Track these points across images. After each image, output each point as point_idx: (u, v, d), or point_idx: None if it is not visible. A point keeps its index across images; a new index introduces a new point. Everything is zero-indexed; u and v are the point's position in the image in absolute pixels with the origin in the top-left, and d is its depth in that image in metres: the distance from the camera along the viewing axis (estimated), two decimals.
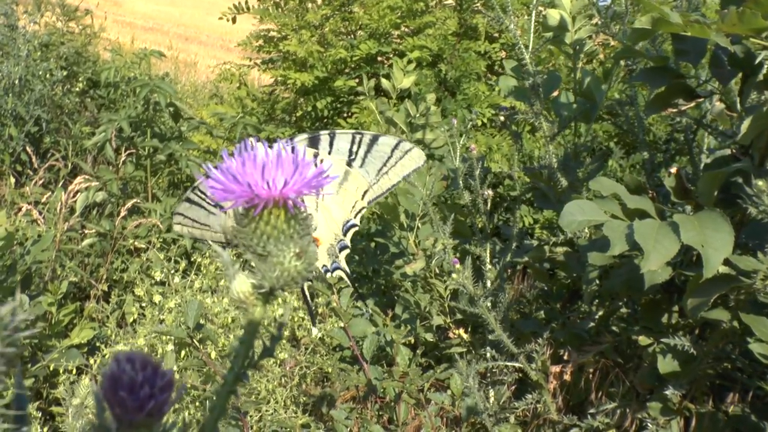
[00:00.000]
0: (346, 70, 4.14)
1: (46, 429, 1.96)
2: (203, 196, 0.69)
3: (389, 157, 1.19)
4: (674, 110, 1.72)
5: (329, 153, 1.14)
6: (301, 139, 1.13)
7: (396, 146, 1.22)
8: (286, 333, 2.27)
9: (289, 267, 0.51)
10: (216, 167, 0.53)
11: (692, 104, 1.74)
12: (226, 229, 0.69)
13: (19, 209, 2.60)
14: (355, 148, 1.18)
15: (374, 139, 1.20)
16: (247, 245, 0.53)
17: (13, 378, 0.38)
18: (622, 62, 2.33)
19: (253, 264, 0.53)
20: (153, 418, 0.41)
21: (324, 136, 1.18)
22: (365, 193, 1.19)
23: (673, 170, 1.72)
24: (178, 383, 0.42)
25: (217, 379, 1.75)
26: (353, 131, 1.19)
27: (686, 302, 1.69)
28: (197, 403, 1.78)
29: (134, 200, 2.98)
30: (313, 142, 1.17)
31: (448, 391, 1.91)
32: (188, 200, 0.68)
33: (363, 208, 1.19)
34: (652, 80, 1.78)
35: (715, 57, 1.72)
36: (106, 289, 2.85)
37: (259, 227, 0.52)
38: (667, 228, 1.59)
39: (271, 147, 0.54)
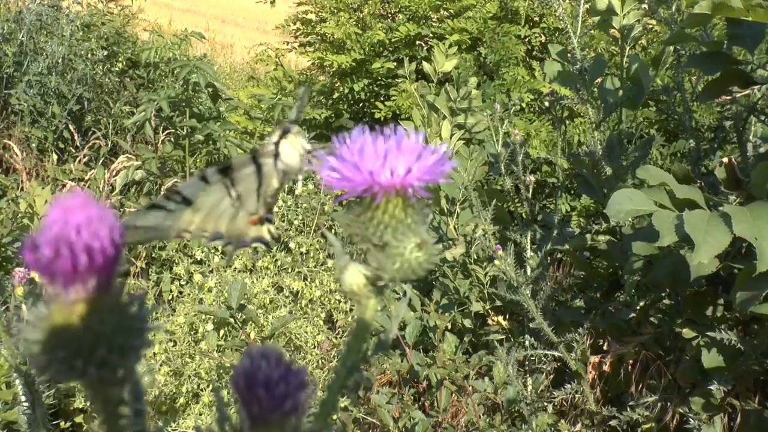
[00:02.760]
0: (384, 53, 4.11)
1: (88, 402, 2.00)
2: (168, 196, 0.68)
3: None
4: (728, 97, 1.67)
5: None
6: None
7: None
8: (323, 315, 2.28)
9: (410, 258, 0.49)
10: (330, 155, 0.51)
11: (747, 91, 1.68)
12: (187, 224, 0.69)
13: (63, 185, 2.64)
14: None
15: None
16: (363, 235, 0.51)
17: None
18: (670, 48, 2.26)
19: (367, 255, 0.51)
20: (287, 417, 0.40)
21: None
22: None
23: (725, 160, 1.67)
24: (310, 382, 0.41)
25: None
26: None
27: (735, 295, 1.65)
28: None
29: (173, 179, 3.00)
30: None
31: (486, 379, 1.90)
32: (152, 206, 0.67)
33: None
34: (706, 66, 1.72)
35: None
36: (144, 266, 2.89)
37: (376, 217, 0.50)
38: (717, 219, 1.55)
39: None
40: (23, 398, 1.02)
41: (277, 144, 0.69)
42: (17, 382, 1.02)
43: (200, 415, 1.84)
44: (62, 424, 1.96)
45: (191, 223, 0.70)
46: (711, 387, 1.68)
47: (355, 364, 0.51)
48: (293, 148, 0.69)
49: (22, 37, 4.07)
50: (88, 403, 2.03)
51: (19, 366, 0.99)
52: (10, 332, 1.00)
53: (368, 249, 0.51)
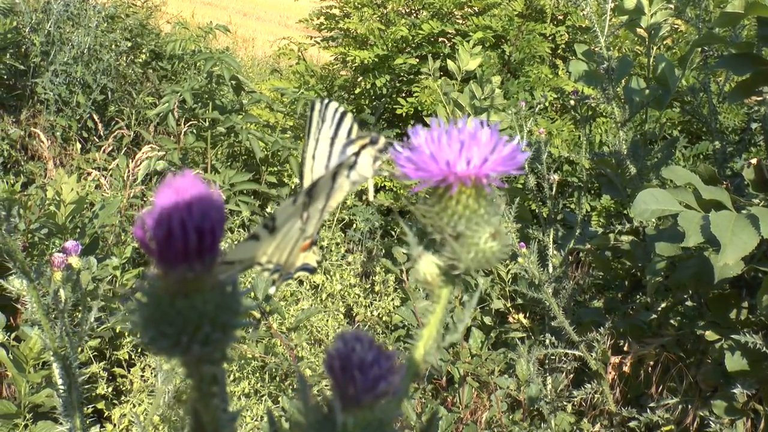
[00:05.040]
0: (407, 49, 4.11)
1: (110, 389, 2.02)
2: (265, 223, 0.62)
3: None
4: (758, 98, 1.65)
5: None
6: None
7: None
8: (342, 309, 2.29)
9: (485, 248, 0.50)
10: (404, 144, 0.52)
11: None
12: (261, 254, 0.62)
13: (88, 174, 2.67)
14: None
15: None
16: (436, 225, 0.51)
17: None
18: (697, 48, 2.25)
19: (441, 244, 0.51)
20: (378, 399, 0.40)
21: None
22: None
23: (754, 161, 1.65)
24: (401, 367, 0.41)
25: (279, 351, 1.78)
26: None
27: (761, 299, 1.64)
28: (258, 374, 1.81)
29: (196, 171, 3.02)
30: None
31: (506, 376, 1.90)
32: (251, 237, 0.60)
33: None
34: (736, 67, 1.71)
35: None
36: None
37: (449, 207, 0.50)
38: (745, 221, 1.53)
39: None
40: (60, 381, 1.04)
41: (357, 154, 0.64)
42: (54, 365, 1.03)
43: None
44: (85, 409, 1.98)
45: (264, 254, 0.63)
46: (734, 390, 1.67)
47: (428, 352, 0.51)
48: (369, 156, 0.64)
49: (50, 27, 4.11)
50: (110, 390, 2.06)
51: (57, 350, 1.01)
52: (48, 316, 1.02)
53: (442, 239, 0.51)
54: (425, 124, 0.55)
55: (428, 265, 0.52)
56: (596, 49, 2.19)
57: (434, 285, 0.52)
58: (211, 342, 0.36)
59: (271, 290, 1.64)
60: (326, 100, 0.70)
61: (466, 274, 0.52)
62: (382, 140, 0.64)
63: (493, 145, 0.50)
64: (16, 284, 0.99)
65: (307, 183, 0.69)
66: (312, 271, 0.68)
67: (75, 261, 1.07)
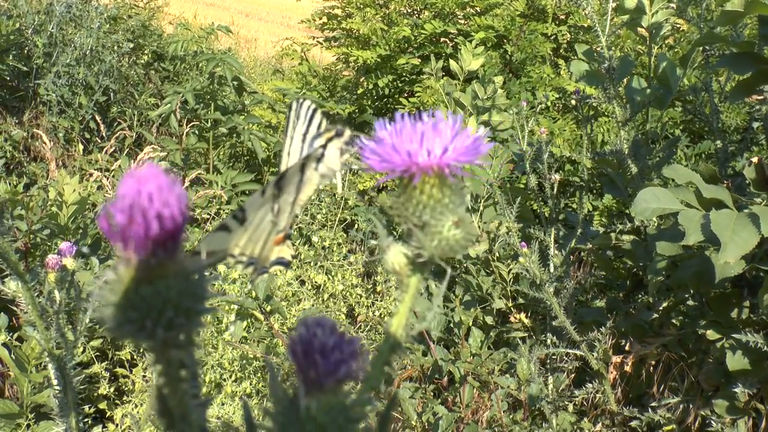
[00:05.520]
0: (409, 49, 4.12)
1: (112, 389, 2.03)
2: (234, 214, 0.63)
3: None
4: (759, 97, 1.65)
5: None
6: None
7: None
8: (344, 310, 2.29)
9: (448, 236, 0.51)
10: (370, 138, 0.53)
11: None
12: (233, 246, 0.63)
13: (90, 175, 2.67)
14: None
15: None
16: (402, 215, 0.52)
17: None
18: (699, 47, 2.24)
19: (408, 234, 0.52)
20: (340, 384, 0.41)
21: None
22: None
23: (755, 159, 1.65)
24: (363, 351, 0.42)
25: (280, 351, 1.78)
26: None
27: (762, 298, 1.64)
28: (259, 374, 1.81)
29: (198, 171, 3.03)
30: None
31: (508, 376, 1.90)
32: (220, 228, 0.61)
33: None
34: (737, 66, 1.71)
35: None
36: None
37: (414, 197, 0.51)
38: (745, 219, 1.53)
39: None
40: (55, 382, 1.04)
41: (324, 146, 0.66)
42: (50, 366, 1.04)
43: (222, 405, 1.86)
44: (87, 409, 1.99)
45: (236, 246, 0.64)
46: (735, 390, 1.67)
47: (397, 342, 0.52)
48: (336, 149, 0.66)
49: (52, 28, 4.12)
50: (111, 390, 2.06)
51: (52, 350, 1.01)
52: (42, 316, 1.02)
53: (409, 228, 0.52)
54: None
55: (396, 255, 0.53)
56: (597, 48, 2.19)
57: (402, 274, 0.53)
58: (175, 326, 0.37)
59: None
60: (301, 99, 0.71)
61: (432, 263, 0.53)
62: (347, 133, 0.65)
63: (454, 135, 0.51)
64: (11, 286, 1.00)
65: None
66: (287, 265, 0.69)
67: (69, 262, 1.08)
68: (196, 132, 3.72)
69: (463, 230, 0.51)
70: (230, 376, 1.86)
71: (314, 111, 0.70)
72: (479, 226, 2.15)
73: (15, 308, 1.04)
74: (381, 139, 0.52)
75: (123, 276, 0.37)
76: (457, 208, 0.52)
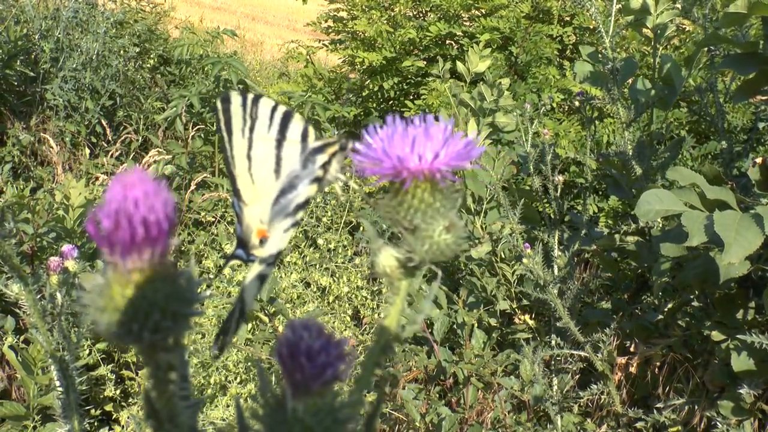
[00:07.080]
0: (415, 52, 4.12)
1: (118, 391, 2.04)
2: None
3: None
4: (764, 97, 1.64)
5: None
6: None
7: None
8: (349, 311, 2.29)
9: (439, 240, 0.51)
10: (362, 142, 0.53)
11: None
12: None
13: (96, 178, 2.69)
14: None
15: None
16: (394, 219, 0.53)
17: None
18: (703, 48, 2.24)
19: (399, 238, 0.52)
20: (327, 386, 0.41)
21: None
22: None
23: (759, 160, 1.65)
24: (350, 354, 0.42)
25: None
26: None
27: (767, 299, 1.63)
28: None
29: (203, 174, 3.04)
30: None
31: (512, 377, 1.89)
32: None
33: None
34: (741, 66, 1.70)
35: None
36: (173, 259, 2.92)
37: (405, 201, 0.52)
38: (749, 220, 1.53)
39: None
40: (57, 383, 1.05)
41: (328, 162, 0.64)
42: (52, 368, 1.04)
43: (228, 407, 1.86)
44: (93, 411, 2.00)
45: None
46: (741, 391, 1.67)
47: (388, 344, 0.52)
48: (338, 163, 0.64)
49: (59, 33, 4.15)
50: (117, 392, 2.07)
51: (54, 352, 1.02)
52: (45, 318, 1.03)
53: (400, 232, 0.52)
54: None
55: (387, 258, 0.53)
56: (602, 49, 2.19)
57: (393, 277, 0.53)
58: (161, 330, 0.37)
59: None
60: (251, 95, 0.66)
61: (423, 266, 0.53)
62: (351, 145, 0.62)
63: (445, 140, 0.51)
64: (14, 289, 1.00)
65: (244, 184, 0.66)
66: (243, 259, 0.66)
67: (71, 264, 1.09)
68: (202, 135, 3.73)
69: (454, 235, 0.51)
70: (235, 378, 1.86)
71: (287, 114, 0.65)
72: (482, 228, 2.15)
73: (19, 311, 1.04)
74: (372, 144, 0.53)
75: (110, 280, 0.38)
76: (449, 213, 0.52)
